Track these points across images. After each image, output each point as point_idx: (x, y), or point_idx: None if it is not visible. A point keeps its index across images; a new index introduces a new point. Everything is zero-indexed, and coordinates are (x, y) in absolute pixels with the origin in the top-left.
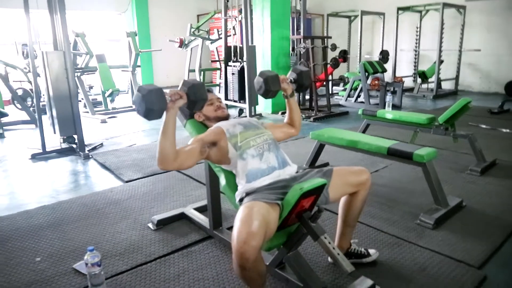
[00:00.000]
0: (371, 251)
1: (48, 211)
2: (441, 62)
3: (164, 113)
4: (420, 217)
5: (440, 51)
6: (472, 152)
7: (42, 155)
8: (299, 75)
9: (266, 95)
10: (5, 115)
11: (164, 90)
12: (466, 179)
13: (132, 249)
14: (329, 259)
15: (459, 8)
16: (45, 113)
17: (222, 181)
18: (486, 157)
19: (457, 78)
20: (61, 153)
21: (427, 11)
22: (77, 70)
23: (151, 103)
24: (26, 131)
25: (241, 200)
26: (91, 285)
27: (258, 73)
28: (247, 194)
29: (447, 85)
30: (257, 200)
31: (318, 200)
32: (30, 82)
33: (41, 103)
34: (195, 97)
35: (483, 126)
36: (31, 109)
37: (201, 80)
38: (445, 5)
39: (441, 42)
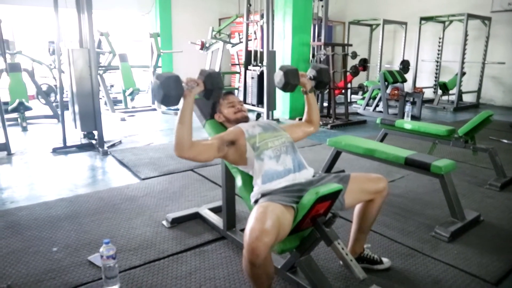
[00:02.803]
0: (384, 259)
1: (66, 203)
2: (463, 74)
3: (181, 100)
4: (435, 229)
5: (463, 62)
6: (491, 167)
7: (63, 149)
8: (319, 72)
9: (285, 88)
10: (29, 109)
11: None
12: (485, 193)
13: (146, 245)
14: (341, 262)
15: (484, 19)
16: (68, 109)
17: (239, 182)
18: (506, 172)
19: (479, 91)
20: (81, 148)
21: (451, 21)
22: (100, 68)
23: (169, 89)
24: (48, 126)
25: (256, 201)
26: (105, 277)
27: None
28: (263, 195)
29: (468, 98)
30: (272, 201)
31: (333, 206)
32: (54, 78)
33: (64, 99)
34: (211, 86)
35: (505, 141)
36: (54, 104)
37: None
38: (470, 16)
39: (464, 54)
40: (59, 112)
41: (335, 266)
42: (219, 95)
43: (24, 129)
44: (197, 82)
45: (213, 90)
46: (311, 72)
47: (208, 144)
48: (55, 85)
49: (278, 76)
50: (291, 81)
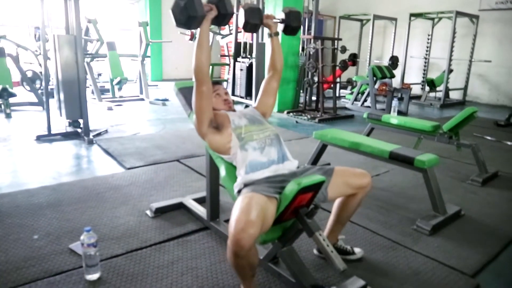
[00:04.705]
0: (356, 250)
1: (49, 191)
2: (450, 71)
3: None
4: (417, 222)
5: (450, 60)
6: (474, 162)
7: (47, 137)
8: (287, 15)
9: (245, 28)
10: (13, 95)
11: None
12: (467, 188)
13: (129, 234)
14: (314, 251)
15: (472, 17)
16: (53, 97)
17: (222, 172)
18: (488, 168)
19: (465, 88)
20: (66, 136)
21: (440, 19)
22: (87, 56)
23: (193, 10)
24: (32, 113)
25: (239, 191)
26: (85, 265)
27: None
28: (246, 185)
29: (455, 95)
30: (256, 192)
31: (316, 198)
32: (40, 64)
33: (49, 86)
34: (225, 11)
35: (488, 137)
36: (39, 91)
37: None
38: (458, 13)
39: (451, 51)
40: (44, 100)
41: (317, 257)
42: (228, 21)
43: (8, 116)
44: (210, 7)
45: (226, 15)
46: (280, 15)
47: (211, 97)
48: (41, 72)
49: (240, 14)
50: (250, 21)
